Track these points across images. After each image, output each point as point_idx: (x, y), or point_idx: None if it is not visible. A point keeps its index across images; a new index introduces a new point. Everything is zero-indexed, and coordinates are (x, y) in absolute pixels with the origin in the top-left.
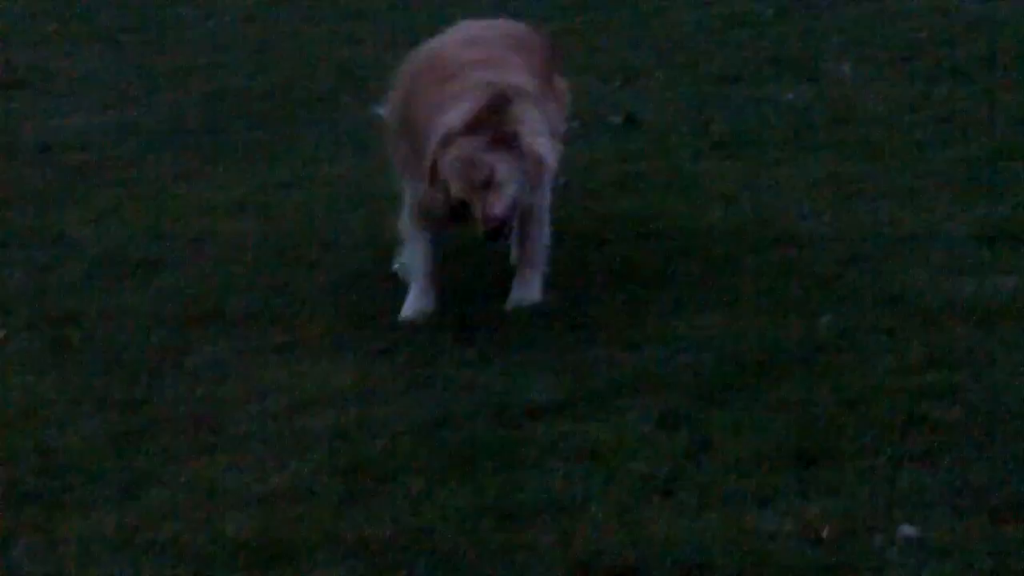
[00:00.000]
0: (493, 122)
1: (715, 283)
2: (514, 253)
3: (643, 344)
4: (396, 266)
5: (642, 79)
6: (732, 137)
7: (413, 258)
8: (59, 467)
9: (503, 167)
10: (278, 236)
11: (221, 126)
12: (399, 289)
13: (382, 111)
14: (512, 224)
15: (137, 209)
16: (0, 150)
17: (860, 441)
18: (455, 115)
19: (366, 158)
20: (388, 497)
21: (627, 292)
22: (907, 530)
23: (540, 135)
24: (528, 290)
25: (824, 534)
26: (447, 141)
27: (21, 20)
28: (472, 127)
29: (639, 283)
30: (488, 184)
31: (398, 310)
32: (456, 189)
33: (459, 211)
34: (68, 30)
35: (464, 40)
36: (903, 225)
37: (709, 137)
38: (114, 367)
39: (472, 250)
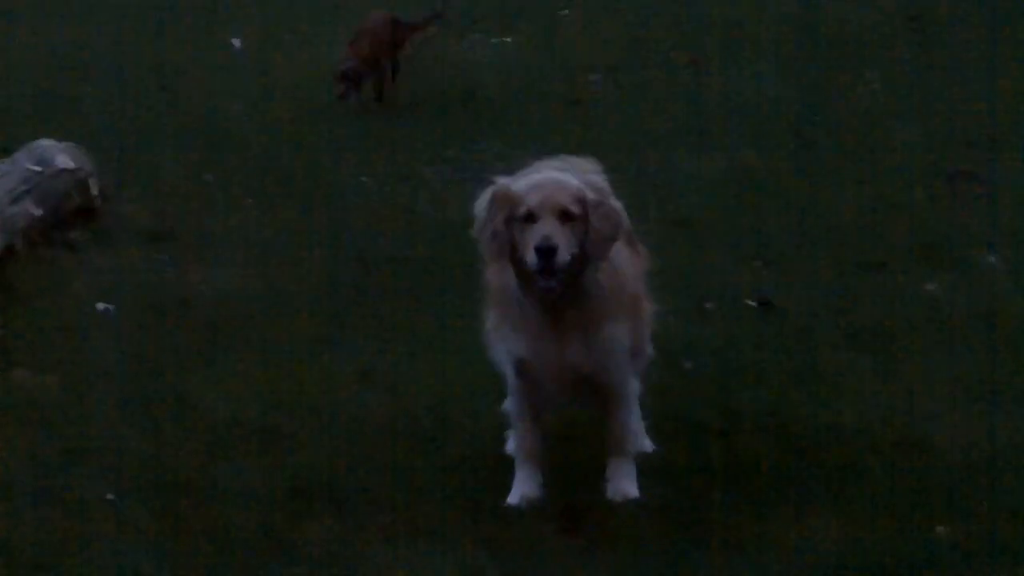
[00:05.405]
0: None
1: (834, 486)
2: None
3: (752, 548)
4: (508, 448)
5: (785, 262)
6: (870, 329)
7: (517, 442)
8: None
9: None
10: (400, 410)
11: (364, 293)
12: (512, 471)
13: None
14: (564, 260)
15: (265, 375)
16: (144, 303)
17: None
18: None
19: None
20: None
21: (743, 490)
22: None
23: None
24: (623, 482)
25: None
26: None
27: (177, 174)
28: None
29: (757, 481)
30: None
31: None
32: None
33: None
34: (224, 185)
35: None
36: None
37: (847, 328)
38: (220, 544)
39: (580, 434)
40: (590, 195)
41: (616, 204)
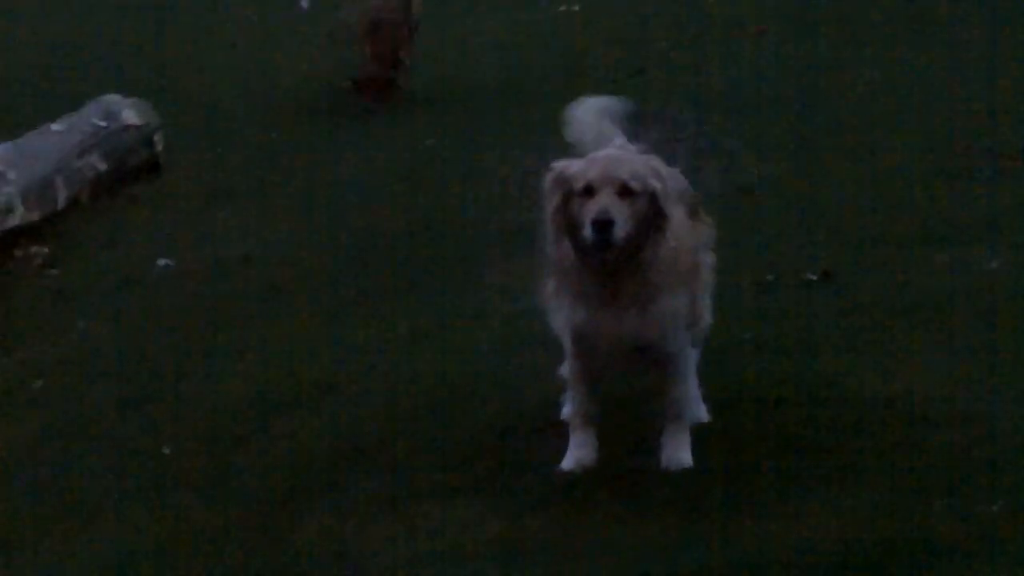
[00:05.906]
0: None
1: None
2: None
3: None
4: (564, 413)
5: (844, 233)
6: (926, 304)
7: (574, 408)
8: None
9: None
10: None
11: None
12: (564, 435)
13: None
14: (621, 235)
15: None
16: (207, 260)
17: None
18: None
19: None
20: None
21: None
22: None
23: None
24: (678, 451)
25: None
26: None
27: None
28: None
29: (805, 452)
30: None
31: (559, 458)
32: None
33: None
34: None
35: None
36: None
37: (902, 300)
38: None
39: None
40: (651, 166)
41: (678, 172)
